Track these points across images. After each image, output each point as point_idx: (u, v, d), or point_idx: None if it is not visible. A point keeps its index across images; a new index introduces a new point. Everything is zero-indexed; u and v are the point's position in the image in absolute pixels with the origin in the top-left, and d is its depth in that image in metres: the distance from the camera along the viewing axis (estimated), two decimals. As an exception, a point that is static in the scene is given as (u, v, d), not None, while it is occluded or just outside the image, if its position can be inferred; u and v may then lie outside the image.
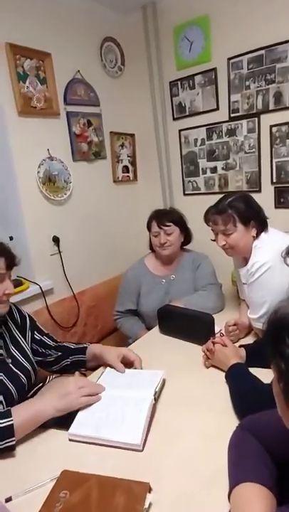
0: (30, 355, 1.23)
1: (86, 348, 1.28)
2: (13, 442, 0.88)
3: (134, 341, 1.56)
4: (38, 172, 1.79)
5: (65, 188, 1.93)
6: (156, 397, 1.04)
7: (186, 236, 1.76)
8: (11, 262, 1.13)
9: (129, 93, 2.31)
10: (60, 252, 1.96)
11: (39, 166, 1.79)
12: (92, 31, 2.04)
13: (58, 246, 1.95)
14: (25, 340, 1.25)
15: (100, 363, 1.27)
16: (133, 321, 1.82)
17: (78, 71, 1.96)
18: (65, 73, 1.89)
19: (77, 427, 0.95)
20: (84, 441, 0.92)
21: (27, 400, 1.06)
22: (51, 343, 1.31)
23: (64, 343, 1.33)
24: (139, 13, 2.17)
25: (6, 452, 0.89)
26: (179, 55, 2.10)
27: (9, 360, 1.15)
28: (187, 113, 2.17)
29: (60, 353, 1.28)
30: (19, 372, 1.15)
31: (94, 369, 1.29)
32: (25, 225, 1.80)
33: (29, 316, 1.32)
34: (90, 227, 2.14)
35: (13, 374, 1.13)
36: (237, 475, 0.68)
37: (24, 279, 1.85)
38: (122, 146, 2.31)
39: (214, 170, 2.16)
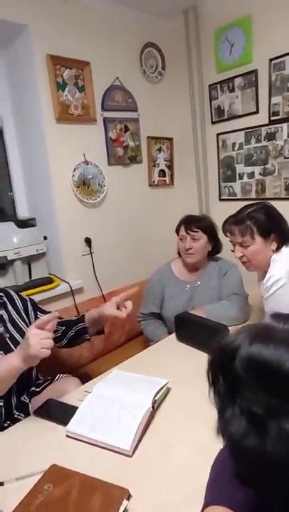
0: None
1: (84, 315, 1.38)
2: None
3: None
4: (73, 176, 1.88)
5: (99, 191, 2.00)
6: (157, 405, 1.04)
7: (215, 246, 1.72)
8: None
9: (168, 97, 2.32)
10: (91, 253, 2.03)
11: (74, 170, 1.88)
12: (133, 38, 2.08)
13: (90, 247, 2.02)
14: (28, 318, 1.35)
15: (102, 324, 1.38)
16: (156, 324, 1.82)
17: (117, 78, 2.02)
18: (104, 80, 1.96)
19: (74, 424, 0.98)
20: (79, 439, 0.95)
21: (29, 382, 1.18)
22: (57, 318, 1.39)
23: (66, 318, 1.42)
24: (180, 18, 2.17)
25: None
26: (220, 57, 2.06)
27: (7, 335, 1.24)
28: (226, 116, 2.12)
29: (64, 327, 1.37)
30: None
31: (98, 333, 1.44)
32: (59, 225, 1.90)
33: (30, 298, 1.43)
34: (123, 230, 2.18)
35: (10, 351, 1.19)
36: (211, 495, 0.66)
37: (56, 276, 1.95)
38: (160, 150, 2.33)
39: (251, 175, 2.09)
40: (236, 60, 1.99)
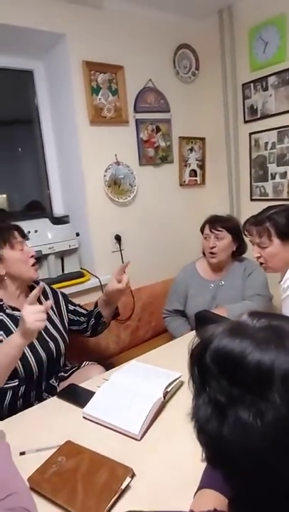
0: (61, 327, 1.43)
1: (96, 301, 1.53)
2: None
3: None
4: (105, 176, 1.97)
5: (129, 190, 2.08)
6: (169, 396, 1.10)
7: (239, 246, 1.73)
8: (22, 232, 1.37)
9: (201, 97, 2.33)
10: (120, 250, 2.11)
11: (106, 170, 1.97)
12: (166, 40, 2.12)
13: (120, 244, 2.10)
14: (60, 313, 1.47)
15: (114, 305, 1.52)
16: (180, 321, 1.87)
17: (150, 80, 2.08)
18: (137, 83, 2.02)
19: (90, 407, 1.06)
20: (94, 421, 1.04)
21: (58, 368, 1.33)
22: (83, 311, 1.54)
23: (88, 310, 1.56)
24: (215, 18, 2.17)
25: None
26: (253, 56, 2.04)
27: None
28: (259, 115, 2.10)
29: (86, 318, 1.51)
30: (48, 339, 1.35)
31: (114, 317, 1.59)
32: (91, 223, 2.00)
33: (61, 292, 1.55)
34: (153, 228, 2.24)
35: (42, 340, 1.33)
36: (204, 480, 0.71)
37: (86, 271, 2.06)
38: (191, 150, 2.35)
39: (284, 175, 2.05)
40: (270, 59, 1.96)
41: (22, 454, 0.93)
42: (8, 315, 1.29)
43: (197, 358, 0.48)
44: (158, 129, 2.15)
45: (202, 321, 1.49)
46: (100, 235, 2.03)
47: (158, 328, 2.25)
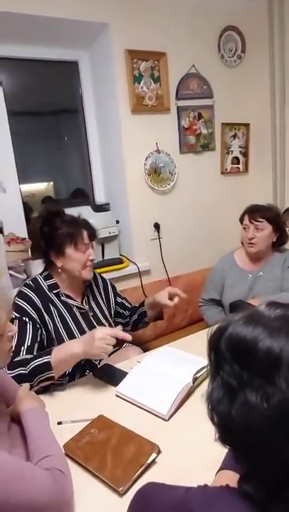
0: (108, 315, 1.50)
1: (144, 300, 1.57)
2: (52, 374, 1.11)
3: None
4: (145, 164, 1.99)
5: (169, 179, 2.08)
6: (198, 382, 1.13)
7: (280, 237, 1.68)
8: (93, 234, 1.40)
9: (247, 81, 2.25)
10: (159, 238, 2.14)
11: (146, 159, 1.99)
12: (211, 23, 2.07)
13: (159, 232, 2.13)
14: (108, 302, 1.54)
15: (159, 310, 1.55)
16: (216, 310, 1.87)
17: (193, 65, 2.04)
18: (179, 69, 2.00)
19: (123, 386, 1.13)
20: (125, 399, 1.10)
21: None
22: (128, 304, 1.60)
23: (132, 305, 1.62)
24: (264, -4, 2.07)
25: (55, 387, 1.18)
26: (305, 35, 1.92)
27: (90, 313, 1.44)
28: (308, 99, 1.99)
29: (130, 313, 1.57)
30: (97, 326, 1.41)
31: (157, 319, 1.61)
32: (130, 211, 2.04)
33: (110, 283, 1.61)
34: (192, 217, 2.24)
35: (92, 326, 1.40)
36: (225, 461, 0.74)
37: (126, 258, 2.12)
38: (234, 136, 2.29)
39: None
40: None
41: (59, 423, 1.02)
42: (62, 302, 1.37)
43: (213, 344, 0.51)
44: (200, 116, 2.12)
45: (236, 310, 1.49)
46: (139, 222, 2.07)
47: (194, 316, 2.26)
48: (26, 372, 1.12)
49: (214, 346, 0.51)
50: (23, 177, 2.02)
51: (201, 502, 0.52)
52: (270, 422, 0.43)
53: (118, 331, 1.15)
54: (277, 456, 0.44)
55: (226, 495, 0.52)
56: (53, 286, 1.36)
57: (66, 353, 1.14)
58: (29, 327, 1.27)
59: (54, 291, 1.36)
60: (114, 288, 1.61)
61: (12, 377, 1.09)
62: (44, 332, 1.30)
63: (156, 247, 2.14)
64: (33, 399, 1.00)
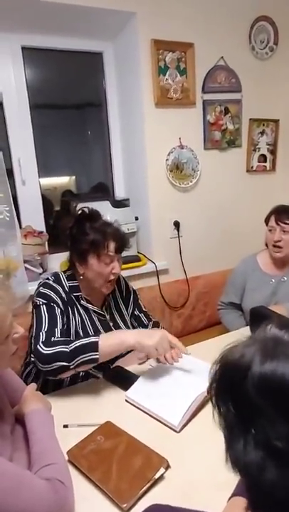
0: (129, 322, 1.43)
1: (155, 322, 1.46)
2: (97, 356, 1.05)
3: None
4: (167, 160, 1.92)
5: (191, 175, 2.01)
6: (213, 391, 1.06)
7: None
8: (121, 246, 1.29)
9: (278, 75, 2.14)
10: (179, 237, 2.07)
11: (168, 154, 1.92)
12: (243, 13, 1.96)
13: (178, 230, 2.06)
14: (127, 309, 1.46)
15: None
16: (235, 315, 1.78)
17: (222, 57, 1.95)
18: (207, 61, 1.92)
19: (133, 391, 1.07)
20: (135, 405, 1.04)
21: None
22: (146, 321, 1.47)
23: (151, 319, 1.48)
24: (300, -16, 1.95)
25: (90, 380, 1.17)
26: None
27: (111, 323, 1.37)
28: None
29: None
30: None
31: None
32: (150, 207, 1.98)
33: (134, 290, 1.51)
34: (214, 216, 2.15)
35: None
36: (238, 487, 0.67)
37: (143, 255, 2.06)
38: (262, 133, 2.19)
39: None
40: None
41: (65, 426, 0.98)
42: (82, 306, 1.31)
43: (233, 389, 0.39)
44: (227, 111, 2.02)
45: (257, 317, 1.41)
46: (158, 220, 2.01)
47: (212, 318, 2.18)
48: (68, 350, 1.06)
49: (234, 392, 0.38)
50: (45, 170, 2.01)
51: None
52: None
53: (180, 344, 1.12)
54: None
55: None
56: (74, 289, 1.29)
57: (117, 338, 1.09)
58: (58, 312, 1.21)
59: (74, 294, 1.29)
60: (135, 297, 1.50)
61: (50, 354, 1.06)
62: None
63: (176, 245, 2.07)
64: (39, 400, 0.97)
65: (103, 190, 2.23)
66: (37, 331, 1.15)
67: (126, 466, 0.81)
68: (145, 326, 1.45)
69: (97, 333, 1.29)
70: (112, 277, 1.27)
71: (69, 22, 1.71)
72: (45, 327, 1.16)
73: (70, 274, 1.33)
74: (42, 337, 1.12)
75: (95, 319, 1.32)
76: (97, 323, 1.32)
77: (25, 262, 1.64)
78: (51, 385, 1.24)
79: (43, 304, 1.21)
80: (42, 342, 1.11)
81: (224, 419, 0.40)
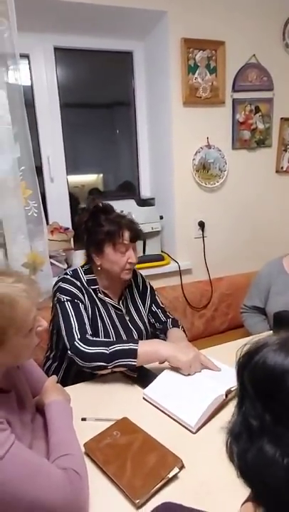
0: (145, 318, 1.44)
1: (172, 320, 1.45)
2: (135, 363, 1.11)
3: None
4: (194, 159, 1.91)
5: (218, 175, 1.98)
6: (231, 396, 1.04)
7: None
8: (135, 235, 1.31)
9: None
10: (203, 237, 2.05)
11: (195, 154, 1.91)
12: (275, 10, 1.91)
13: (203, 231, 2.04)
14: (144, 305, 1.47)
15: None
16: (258, 319, 1.75)
17: (253, 55, 1.91)
18: (238, 59, 1.89)
19: (151, 390, 1.08)
20: (153, 404, 1.05)
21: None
22: (163, 317, 1.47)
23: (168, 317, 1.48)
24: None
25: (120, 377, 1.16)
26: None
27: (127, 318, 1.39)
28: None
29: (162, 327, 1.45)
30: (133, 329, 1.38)
31: None
32: (175, 207, 1.98)
33: (151, 286, 1.52)
34: (240, 218, 2.12)
35: (128, 329, 1.36)
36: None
37: (167, 255, 2.06)
38: (294, 133, 2.12)
39: None
40: None
41: (83, 419, 1.00)
42: (100, 299, 1.33)
43: (238, 371, 0.43)
44: (257, 110, 1.98)
45: (281, 322, 1.38)
46: (183, 219, 2.00)
47: (235, 320, 2.15)
48: (108, 352, 1.12)
49: (239, 373, 0.42)
50: (74, 168, 2.05)
51: None
52: (288, 481, 0.35)
53: (211, 363, 1.15)
54: None
55: None
56: (92, 282, 1.33)
57: (154, 348, 1.14)
58: (82, 308, 1.26)
59: (92, 287, 1.32)
60: (152, 293, 1.51)
61: (90, 353, 1.12)
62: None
63: (200, 246, 2.06)
64: (59, 391, 1.00)
65: (130, 189, 2.24)
66: (68, 327, 1.19)
67: (140, 463, 0.81)
68: (163, 323, 1.46)
69: (114, 327, 1.32)
70: (128, 267, 1.30)
71: (100, 22, 1.73)
72: (75, 324, 1.20)
73: (87, 268, 1.36)
74: (77, 334, 1.17)
75: (112, 312, 1.35)
76: (114, 317, 1.35)
77: (51, 257, 1.69)
78: (71, 378, 1.27)
79: (67, 300, 1.24)
80: (79, 339, 1.16)
81: (237, 393, 0.44)
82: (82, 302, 1.27)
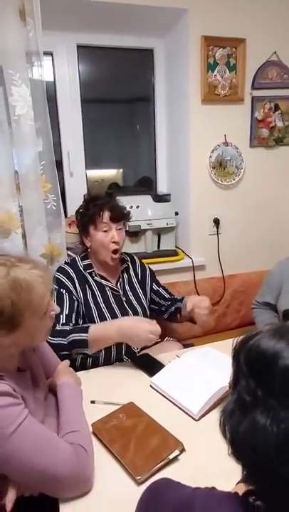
0: (144, 301, 1.51)
1: (184, 297, 1.51)
2: (87, 351, 1.20)
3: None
4: (210, 156, 1.93)
5: (234, 173, 1.99)
6: (236, 386, 1.08)
7: None
8: (116, 215, 1.38)
9: None
10: (218, 234, 2.07)
11: (212, 151, 1.92)
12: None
13: (218, 228, 2.06)
14: (144, 289, 1.55)
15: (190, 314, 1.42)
16: (269, 315, 1.76)
17: (274, 52, 1.90)
18: (259, 57, 1.88)
19: (158, 378, 1.13)
20: (158, 391, 1.10)
21: None
22: (166, 294, 1.58)
23: (173, 296, 1.58)
24: None
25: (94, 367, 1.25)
26: None
27: (124, 298, 1.46)
28: None
29: (169, 303, 1.53)
30: (129, 310, 1.44)
31: (189, 321, 1.49)
32: (191, 203, 2.00)
33: (150, 269, 1.61)
34: (256, 216, 2.12)
35: (124, 309, 1.43)
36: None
37: (181, 250, 2.09)
38: (314, 131, 2.10)
39: None
40: None
41: (92, 402, 1.06)
42: (96, 282, 1.43)
43: (235, 354, 0.49)
44: (276, 108, 1.97)
45: (290, 319, 1.39)
46: (198, 216, 2.03)
47: (246, 318, 2.16)
48: (66, 343, 1.20)
49: (235, 357, 0.48)
50: (94, 163, 2.10)
51: (203, 502, 0.51)
52: (277, 447, 0.40)
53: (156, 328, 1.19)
54: (283, 479, 0.41)
55: (229, 501, 0.50)
56: (88, 266, 1.44)
57: (103, 335, 1.20)
58: (66, 297, 1.34)
59: (88, 271, 1.42)
60: (152, 274, 1.60)
61: (52, 343, 1.17)
62: (81, 305, 1.37)
63: (214, 242, 2.08)
64: (71, 374, 1.06)
65: (148, 185, 2.28)
66: None
67: (143, 444, 0.87)
68: (166, 300, 1.56)
69: (109, 309, 1.40)
70: (113, 246, 1.37)
71: (122, 21, 1.77)
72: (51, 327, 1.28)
73: (84, 255, 1.48)
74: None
75: (109, 294, 1.43)
76: (111, 299, 1.43)
77: (67, 249, 1.75)
78: (81, 363, 1.35)
79: (55, 289, 1.35)
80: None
81: (232, 376, 0.49)
82: (68, 291, 1.36)
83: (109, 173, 2.29)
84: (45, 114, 1.54)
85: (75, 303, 1.35)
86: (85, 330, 1.20)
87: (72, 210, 2.00)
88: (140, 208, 1.93)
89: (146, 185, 2.28)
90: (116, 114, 2.23)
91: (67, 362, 1.11)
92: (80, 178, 2.03)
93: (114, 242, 1.37)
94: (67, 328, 1.26)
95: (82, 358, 1.32)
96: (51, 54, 1.85)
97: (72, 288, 1.37)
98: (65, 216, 1.84)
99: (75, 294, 1.37)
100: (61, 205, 1.67)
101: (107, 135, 2.19)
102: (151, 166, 2.26)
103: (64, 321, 1.29)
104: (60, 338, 1.21)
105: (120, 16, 1.72)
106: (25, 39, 1.45)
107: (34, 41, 1.48)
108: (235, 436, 0.45)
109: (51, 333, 1.18)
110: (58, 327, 1.25)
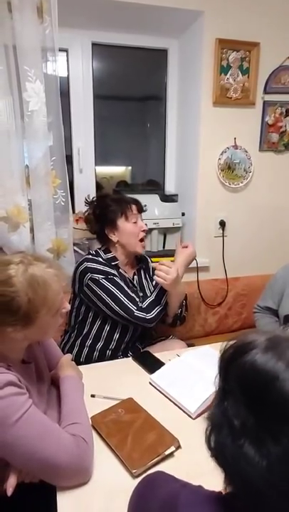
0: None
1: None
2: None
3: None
4: (219, 159, 1.94)
5: (242, 176, 2.00)
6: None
7: None
8: (140, 207, 1.51)
9: None
10: (223, 236, 2.08)
11: (221, 154, 1.93)
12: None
13: (223, 230, 2.07)
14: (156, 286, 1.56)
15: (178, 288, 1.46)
16: (270, 320, 1.77)
17: (288, 57, 1.90)
18: (272, 61, 1.88)
19: (157, 376, 1.15)
20: (157, 389, 1.12)
21: (146, 335, 1.53)
22: None
23: None
24: None
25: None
26: None
27: (141, 294, 1.51)
28: None
29: None
30: None
31: (181, 320, 1.59)
32: (197, 204, 2.02)
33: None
34: (262, 219, 2.13)
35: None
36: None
37: (186, 251, 2.10)
38: None
39: None
40: None
41: (92, 396, 1.09)
42: (120, 274, 1.47)
43: (223, 366, 0.44)
44: (287, 113, 1.98)
45: (291, 324, 1.40)
46: (204, 217, 2.04)
47: (248, 320, 2.18)
48: (163, 307, 1.37)
49: (223, 369, 0.44)
50: (103, 159, 2.12)
51: (186, 499, 0.51)
52: (265, 480, 0.37)
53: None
54: (266, 497, 0.39)
55: (212, 501, 0.50)
56: (112, 259, 1.47)
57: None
58: (118, 280, 1.40)
59: (113, 263, 1.46)
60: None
61: (154, 317, 1.34)
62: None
63: (219, 244, 2.09)
64: (73, 368, 1.08)
65: (156, 184, 2.30)
66: (118, 302, 1.35)
67: (140, 439, 0.89)
68: None
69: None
70: (142, 235, 1.48)
71: (138, 20, 1.78)
72: (122, 297, 1.35)
73: (104, 248, 1.51)
74: (132, 306, 1.35)
75: (130, 287, 1.47)
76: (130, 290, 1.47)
77: (74, 244, 1.78)
78: (87, 356, 1.40)
79: (102, 278, 1.37)
80: (137, 310, 1.34)
81: (218, 385, 0.46)
82: (115, 276, 1.41)
83: (118, 171, 2.31)
84: (57, 110, 1.56)
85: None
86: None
87: (80, 206, 2.02)
88: (147, 207, 1.95)
89: (154, 184, 2.30)
90: (127, 112, 2.25)
91: (69, 356, 1.13)
92: (89, 175, 2.05)
93: (142, 231, 1.48)
94: (151, 298, 1.40)
95: (88, 352, 1.37)
96: (66, 51, 1.87)
97: (115, 273, 1.43)
98: (73, 212, 1.86)
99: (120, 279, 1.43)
100: (69, 201, 1.69)
101: (118, 132, 2.21)
102: (160, 165, 2.27)
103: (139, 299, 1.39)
104: (157, 307, 1.36)
105: (136, 15, 1.73)
106: (41, 36, 1.47)
107: (50, 38, 1.49)
108: (219, 455, 0.43)
109: (143, 310, 1.34)
110: (143, 305, 1.37)
